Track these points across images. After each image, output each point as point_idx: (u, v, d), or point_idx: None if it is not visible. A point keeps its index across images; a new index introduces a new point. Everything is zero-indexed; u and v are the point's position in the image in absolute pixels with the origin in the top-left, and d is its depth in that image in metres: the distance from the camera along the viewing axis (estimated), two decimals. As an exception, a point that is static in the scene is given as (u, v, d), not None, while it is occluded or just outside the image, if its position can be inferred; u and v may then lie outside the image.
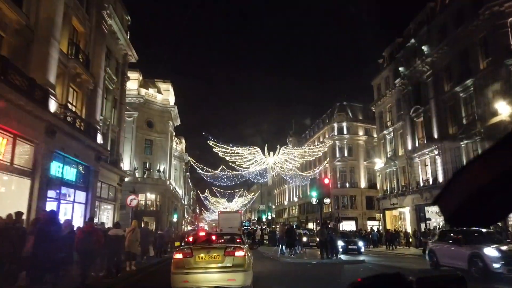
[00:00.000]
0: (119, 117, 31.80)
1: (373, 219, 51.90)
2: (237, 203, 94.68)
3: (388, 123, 39.03)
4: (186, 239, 20.91)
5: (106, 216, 28.92)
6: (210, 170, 42.72)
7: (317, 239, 24.95)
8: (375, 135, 56.40)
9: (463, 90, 27.05)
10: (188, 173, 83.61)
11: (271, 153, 42.50)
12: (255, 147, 40.59)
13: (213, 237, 10.97)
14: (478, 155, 0.72)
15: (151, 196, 50.11)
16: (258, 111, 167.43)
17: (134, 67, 50.69)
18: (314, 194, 17.92)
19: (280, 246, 20.99)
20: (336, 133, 56.16)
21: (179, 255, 8.46)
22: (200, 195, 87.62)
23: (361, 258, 19.91)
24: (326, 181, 18.39)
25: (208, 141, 37.46)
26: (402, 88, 35.05)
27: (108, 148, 28.61)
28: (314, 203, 18.45)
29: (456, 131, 27.71)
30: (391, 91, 37.48)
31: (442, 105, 29.31)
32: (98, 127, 22.75)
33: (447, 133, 28.79)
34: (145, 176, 49.15)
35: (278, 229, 28.89)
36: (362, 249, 23.92)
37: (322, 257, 17.68)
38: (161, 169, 51.33)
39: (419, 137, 33.06)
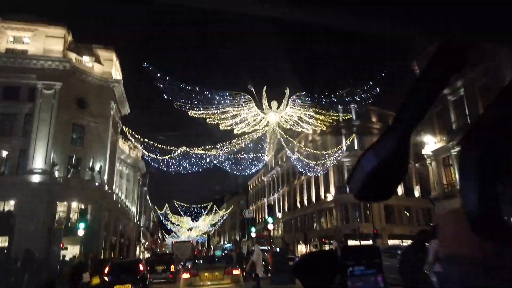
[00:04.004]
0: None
1: (397, 237, 37.29)
2: (204, 222, 78.01)
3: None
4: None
5: None
6: (165, 147, 25.38)
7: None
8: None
9: None
10: (145, 188, 66.52)
11: (274, 103, 24.69)
12: (243, 92, 23.09)
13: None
14: (384, 132, 0.76)
15: (78, 206, 33.29)
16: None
17: (59, 22, 35.52)
18: None
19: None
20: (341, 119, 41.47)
21: (186, 275, 10.89)
22: (159, 212, 70.39)
23: None
24: None
25: (156, 81, 20.29)
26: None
27: None
28: None
29: None
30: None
31: None
32: None
33: None
34: (69, 176, 32.53)
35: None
36: None
37: None
38: (96, 168, 34.85)
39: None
